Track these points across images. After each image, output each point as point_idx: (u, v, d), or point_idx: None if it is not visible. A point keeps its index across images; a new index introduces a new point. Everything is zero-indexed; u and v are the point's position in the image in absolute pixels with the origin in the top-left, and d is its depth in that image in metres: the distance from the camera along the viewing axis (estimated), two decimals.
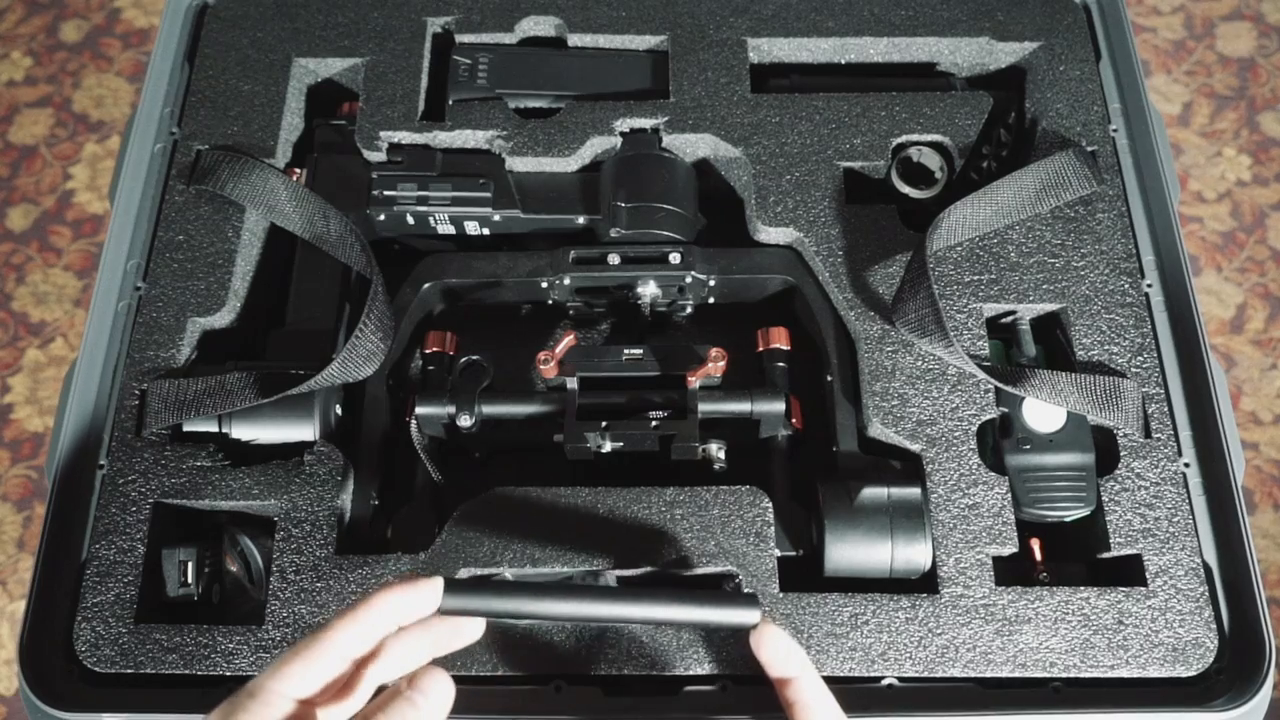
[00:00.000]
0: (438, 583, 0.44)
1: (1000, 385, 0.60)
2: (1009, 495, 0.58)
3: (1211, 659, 0.55)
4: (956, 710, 0.54)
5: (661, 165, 0.68)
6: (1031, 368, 0.62)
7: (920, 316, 0.59)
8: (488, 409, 0.62)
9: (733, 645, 0.55)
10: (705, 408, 0.61)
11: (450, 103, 0.69)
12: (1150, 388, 0.61)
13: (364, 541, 0.59)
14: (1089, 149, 0.67)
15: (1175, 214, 0.66)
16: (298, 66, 0.72)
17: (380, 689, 0.44)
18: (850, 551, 0.56)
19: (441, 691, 0.43)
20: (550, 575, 0.57)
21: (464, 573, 0.57)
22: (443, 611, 0.45)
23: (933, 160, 0.68)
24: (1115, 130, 0.69)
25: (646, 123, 0.68)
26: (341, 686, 0.44)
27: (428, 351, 0.65)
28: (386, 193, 0.67)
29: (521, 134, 0.68)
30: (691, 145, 0.69)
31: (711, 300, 0.67)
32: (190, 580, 0.58)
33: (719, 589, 0.56)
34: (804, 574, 0.57)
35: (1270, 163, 1.46)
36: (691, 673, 0.54)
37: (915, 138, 0.68)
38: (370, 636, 0.43)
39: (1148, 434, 0.60)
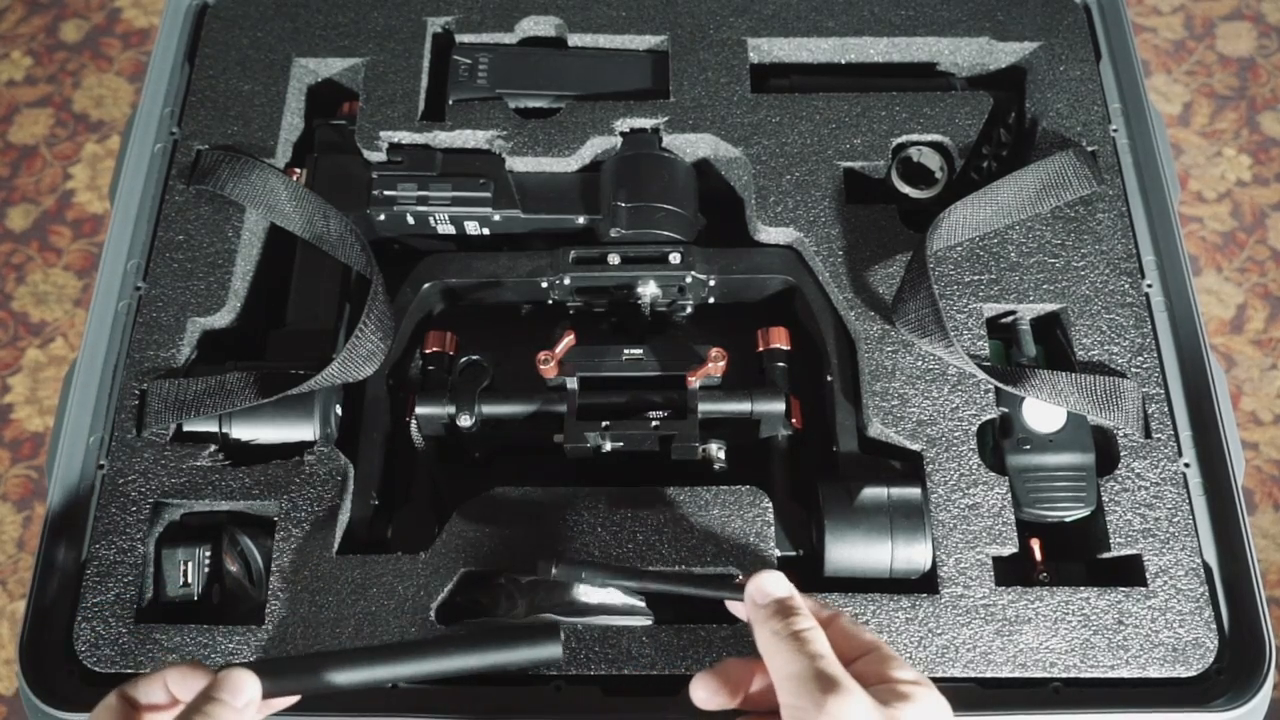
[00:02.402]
0: (248, 678, 0.43)
1: (1000, 385, 0.60)
2: (1009, 495, 0.58)
3: (1211, 659, 0.55)
4: (956, 710, 0.54)
5: (661, 165, 0.68)
6: (1031, 368, 0.62)
7: (920, 316, 0.59)
8: (488, 409, 0.62)
9: (733, 645, 0.55)
10: (705, 408, 0.61)
11: (450, 103, 0.69)
12: (1150, 388, 0.61)
13: (364, 541, 0.59)
14: (1089, 149, 0.67)
15: (1175, 214, 0.66)
16: (298, 66, 0.72)
17: None
18: (850, 551, 0.56)
19: (251, 688, 0.42)
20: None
21: (462, 573, 0.57)
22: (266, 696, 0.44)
23: (933, 160, 0.68)
24: (1115, 130, 0.69)
25: (646, 123, 0.68)
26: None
27: (428, 351, 0.65)
28: (386, 193, 0.67)
29: (521, 134, 0.68)
30: (691, 145, 0.69)
31: (711, 300, 0.67)
32: (190, 580, 0.58)
33: (524, 630, 0.50)
34: (804, 574, 0.57)
35: (1270, 163, 1.46)
36: (691, 673, 0.54)
37: (915, 138, 0.68)
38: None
39: (1148, 434, 0.60)
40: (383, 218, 0.67)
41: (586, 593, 0.56)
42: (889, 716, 0.41)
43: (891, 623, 0.55)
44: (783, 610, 0.45)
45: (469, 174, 0.68)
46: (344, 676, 0.44)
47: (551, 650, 0.46)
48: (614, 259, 0.64)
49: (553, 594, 0.56)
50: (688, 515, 0.57)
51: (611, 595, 0.56)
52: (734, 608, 0.49)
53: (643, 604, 0.57)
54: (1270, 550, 1.25)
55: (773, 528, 0.57)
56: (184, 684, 0.43)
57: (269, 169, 0.66)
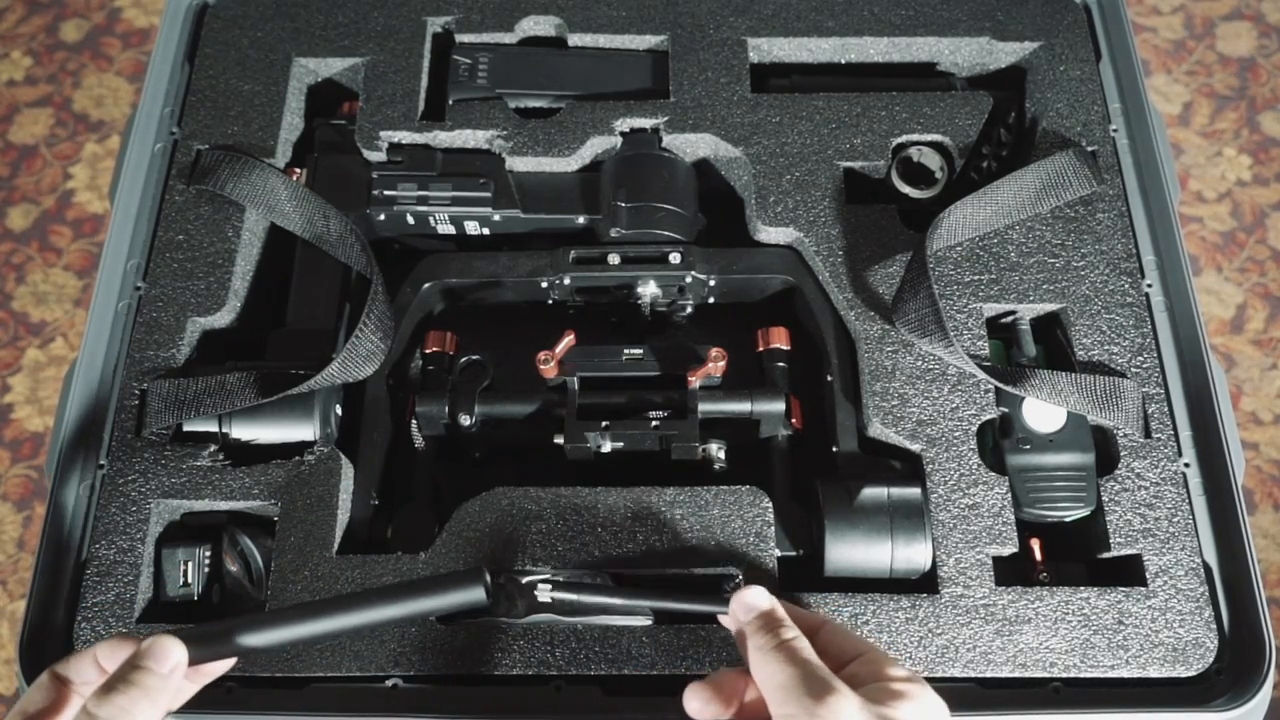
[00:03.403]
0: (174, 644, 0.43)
1: (1000, 385, 0.60)
2: (1009, 495, 0.58)
3: (1211, 659, 0.55)
4: (956, 710, 0.54)
5: (661, 165, 0.68)
6: (1031, 368, 0.62)
7: (920, 316, 0.59)
8: (488, 409, 0.62)
9: (732, 646, 0.55)
10: (705, 408, 0.61)
11: (450, 102, 0.69)
12: (1150, 388, 0.61)
13: (364, 541, 0.59)
14: (1089, 149, 0.67)
15: (1175, 214, 0.66)
16: (298, 66, 0.72)
17: None
18: (850, 551, 0.56)
19: (176, 654, 0.43)
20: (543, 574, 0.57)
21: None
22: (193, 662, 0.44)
23: (933, 160, 0.68)
24: (1115, 130, 0.69)
25: (646, 123, 0.68)
26: None
27: (428, 351, 0.65)
28: (386, 193, 0.67)
29: (521, 134, 0.68)
30: (691, 145, 0.69)
31: (711, 300, 0.67)
32: (190, 580, 0.58)
33: (449, 576, 0.50)
34: (804, 574, 0.57)
35: (1270, 163, 1.46)
36: (692, 673, 0.54)
37: (915, 138, 0.68)
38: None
39: (1148, 434, 0.60)
40: (383, 218, 0.67)
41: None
42: (883, 715, 0.41)
43: (891, 623, 0.55)
44: (768, 624, 0.45)
45: (469, 174, 0.68)
46: (271, 635, 0.44)
47: (475, 593, 0.46)
48: (614, 259, 0.64)
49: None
50: (688, 515, 0.57)
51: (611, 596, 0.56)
52: (725, 620, 0.49)
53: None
54: (1270, 550, 1.25)
55: (773, 528, 0.57)
56: (113, 656, 0.44)
57: (269, 169, 0.66)
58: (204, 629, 0.46)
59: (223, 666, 0.47)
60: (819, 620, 0.48)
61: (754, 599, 0.47)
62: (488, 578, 0.47)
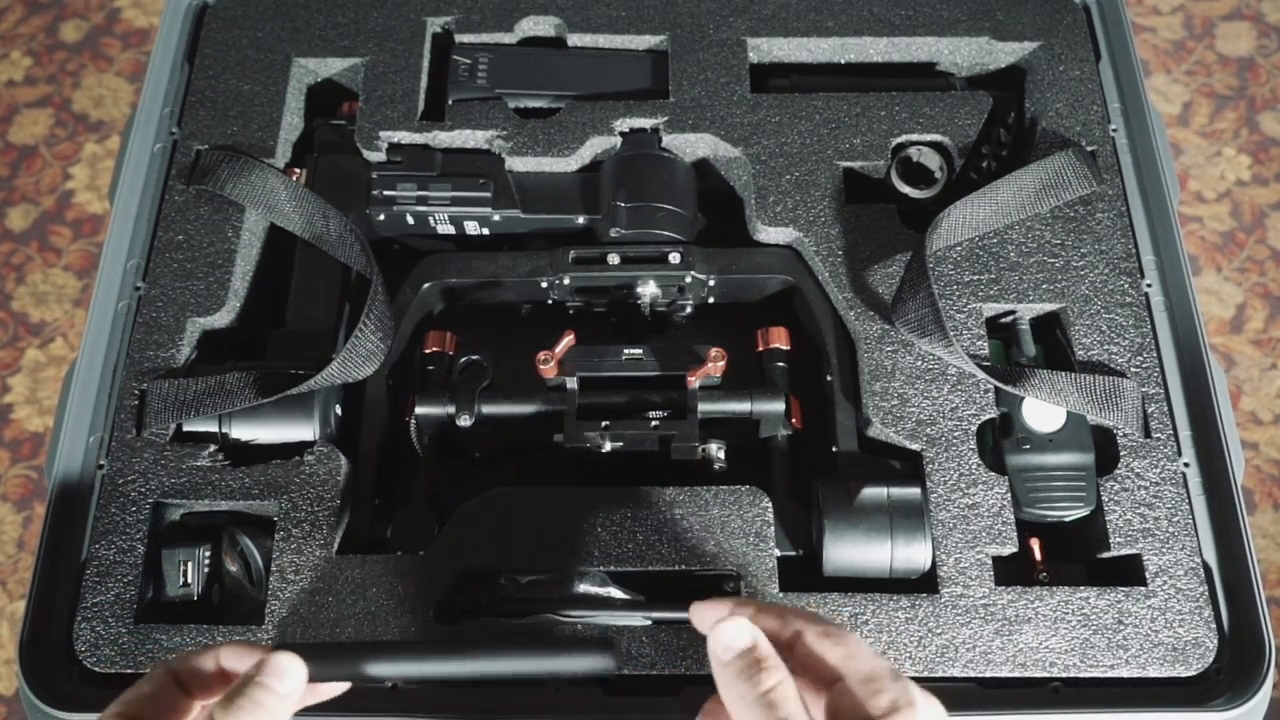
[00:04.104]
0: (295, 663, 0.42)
1: (1000, 385, 0.60)
2: (1009, 495, 0.58)
3: (1211, 659, 0.55)
4: (956, 710, 0.54)
5: (661, 165, 0.68)
6: (1031, 368, 0.62)
7: (920, 316, 0.59)
8: (487, 409, 0.62)
9: None
10: (705, 408, 0.61)
11: (450, 103, 0.69)
12: (1150, 388, 0.61)
13: (364, 541, 0.59)
14: (1089, 149, 0.67)
15: (1175, 214, 0.66)
16: (298, 66, 0.72)
17: None
18: (850, 551, 0.56)
19: (296, 674, 0.41)
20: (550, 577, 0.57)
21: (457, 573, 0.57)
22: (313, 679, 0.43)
23: (932, 160, 0.68)
24: (1115, 130, 0.69)
25: (646, 123, 0.68)
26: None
27: (428, 351, 0.65)
28: (386, 193, 0.67)
29: (521, 134, 0.68)
30: (691, 145, 0.69)
31: (711, 300, 0.67)
32: (190, 580, 0.58)
33: (579, 639, 0.49)
34: (804, 574, 0.57)
35: (1270, 162, 1.46)
36: (691, 673, 0.54)
37: (915, 138, 0.68)
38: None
39: (1147, 434, 0.60)
40: (382, 218, 0.67)
41: (586, 592, 0.56)
42: None
43: (891, 622, 0.55)
44: (748, 667, 0.42)
45: (469, 174, 0.68)
46: (392, 668, 0.43)
47: (605, 662, 0.44)
48: (614, 259, 0.64)
49: (552, 593, 0.56)
50: (688, 515, 0.57)
51: (611, 593, 0.57)
52: (697, 624, 0.45)
53: (642, 599, 0.57)
54: (1270, 550, 1.25)
55: (772, 528, 0.57)
56: (238, 662, 0.42)
57: (269, 169, 0.66)
58: (327, 647, 0.45)
59: (335, 689, 0.45)
60: (794, 632, 0.43)
61: (733, 637, 0.42)
62: (619, 648, 0.45)
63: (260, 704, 0.40)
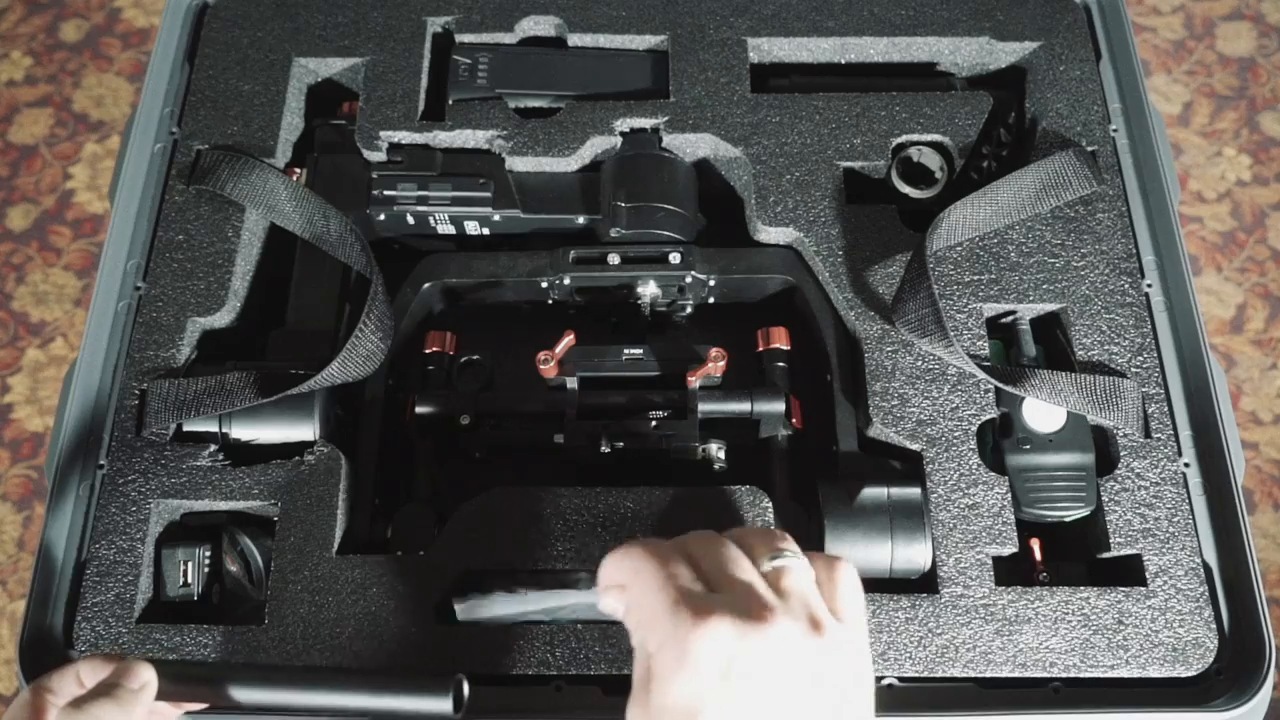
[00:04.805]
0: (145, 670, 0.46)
1: (1000, 385, 0.60)
2: (1009, 495, 0.58)
3: (1211, 659, 0.55)
4: (956, 710, 0.54)
5: (661, 165, 0.68)
6: (1031, 368, 0.62)
7: (920, 316, 0.59)
8: (487, 409, 0.62)
9: None
10: (705, 408, 0.61)
11: (450, 103, 0.69)
12: (1150, 388, 0.61)
13: (364, 541, 0.59)
14: (1089, 149, 0.67)
15: (1175, 214, 0.66)
16: (298, 66, 0.72)
17: None
18: (850, 551, 0.56)
19: (144, 675, 0.46)
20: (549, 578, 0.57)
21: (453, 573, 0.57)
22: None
23: (933, 160, 0.68)
24: (1115, 130, 0.69)
25: (646, 123, 0.68)
26: None
27: (428, 351, 0.65)
28: (386, 193, 0.67)
29: (521, 134, 0.68)
30: (691, 145, 0.69)
31: (711, 300, 0.67)
32: (190, 580, 0.58)
33: (423, 679, 0.47)
34: None
35: (1270, 162, 1.46)
36: None
37: (915, 138, 0.68)
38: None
39: (1148, 434, 0.60)
40: (383, 218, 0.67)
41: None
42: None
43: (891, 622, 0.55)
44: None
45: (469, 174, 0.68)
46: (241, 694, 0.46)
47: (441, 704, 0.44)
48: (614, 259, 0.64)
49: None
50: (688, 515, 0.57)
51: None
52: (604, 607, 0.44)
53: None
54: (1270, 550, 1.25)
55: (773, 528, 0.57)
56: (93, 674, 0.47)
57: (269, 169, 0.66)
58: (184, 666, 0.49)
59: (188, 708, 0.49)
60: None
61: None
62: (462, 688, 0.45)
63: (112, 697, 0.45)
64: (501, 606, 0.54)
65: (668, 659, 0.38)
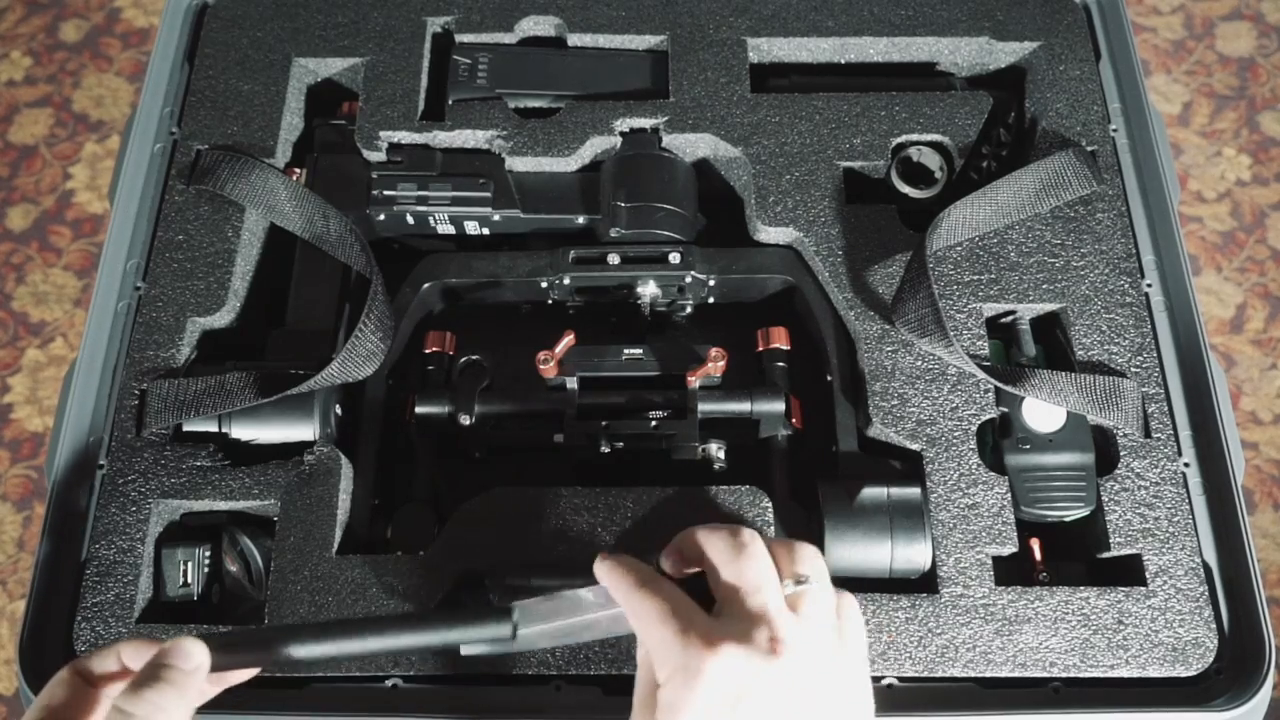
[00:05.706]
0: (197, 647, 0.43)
1: (1000, 385, 0.60)
2: (1009, 495, 0.58)
3: (1211, 659, 0.55)
4: (956, 710, 0.54)
5: (661, 165, 0.68)
6: (1031, 368, 0.62)
7: (920, 316, 0.59)
8: (487, 409, 0.62)
9: None
10: (705, 407, 0.61)
11: (450, 103, 0.69)
12: (1150, 388, 0.61)
13: (364, 541, 0.59)
14: (1089, 149, 0.67)
15: (1175, 214, 0.66)
16: (298, 66, 0.72)
17: None
18: (850, 551, 0.56)
19: (198, 656, 0.42)
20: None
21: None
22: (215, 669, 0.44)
23: (933, 160, 0.68)
24: (1115, 130, 0.69)
25: (646, 123, 0.68)
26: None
27: (428, 351, 0.65)
28: (386, 193, 0.67)
29: (521, 134, 0.68)
30: (691, 145, 0.69)
31: (711, 300, 0.67)
32: (190, 580, 0.58)
33: (479, 611, 0.49)
34: None
35: (1270, 162, 1.46)
36: None
37: (915, 137, 0.68)
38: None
39: (1148, 434, 0.60)
40: (383, 218, 0.67)
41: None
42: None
43: (891, 622, 0.55)
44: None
45: (469, 174, 0.68)
46: (297, 650, 0.44)
47: (502, 629, 0.46)
48: (614, 259, 0.64)
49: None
50: (688, 515, 0.57)
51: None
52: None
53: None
54: (1270, 550, 1.25)
55: (773, 528, 0.57)
56: (137, 655, 0.43)
57: (269, 169, 0.66)
58: (230, 634, 0.46)
59: (244, 674, 0.46)
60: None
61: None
62: (513, 614, 0.47)
63: (171, 682, 0.41)
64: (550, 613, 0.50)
65: (677, 687, 0.38)
